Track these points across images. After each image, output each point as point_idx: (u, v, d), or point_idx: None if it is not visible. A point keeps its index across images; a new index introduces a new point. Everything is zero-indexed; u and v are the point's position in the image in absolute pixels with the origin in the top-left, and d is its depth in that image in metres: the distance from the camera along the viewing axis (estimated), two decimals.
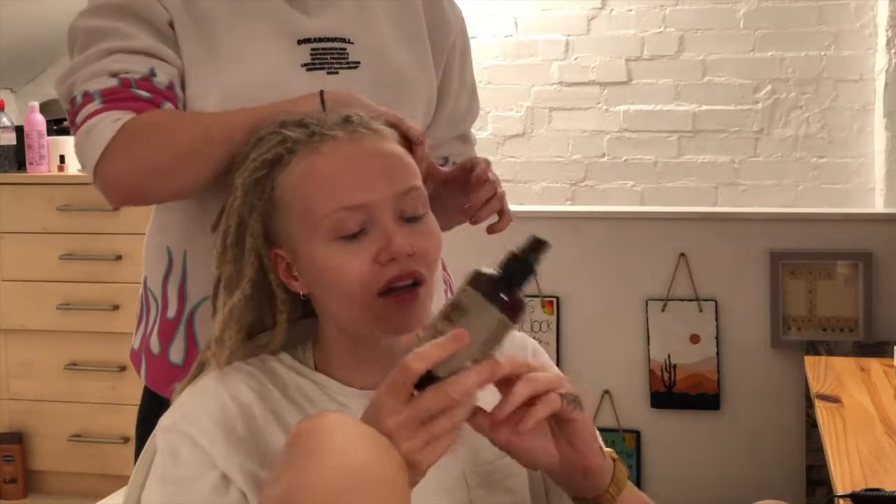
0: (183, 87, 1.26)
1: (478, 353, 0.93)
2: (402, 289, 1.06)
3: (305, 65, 1.29)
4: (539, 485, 1.19)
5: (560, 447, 1.04)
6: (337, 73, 1.30)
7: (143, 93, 1.19)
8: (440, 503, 1.10)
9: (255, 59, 1.27)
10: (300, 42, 1.29)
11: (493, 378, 0.94)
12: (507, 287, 0.93)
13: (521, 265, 0.94)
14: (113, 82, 1.19)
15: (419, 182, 1.10)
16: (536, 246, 0.94)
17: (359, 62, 1.32)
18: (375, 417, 0.92)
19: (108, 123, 1.17)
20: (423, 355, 0.91)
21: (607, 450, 1.09)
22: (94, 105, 1.18)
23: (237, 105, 1.22)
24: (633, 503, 1.10)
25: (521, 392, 0.97)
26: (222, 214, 1.14)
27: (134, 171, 1.17)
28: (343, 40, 1.32)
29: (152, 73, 1.21)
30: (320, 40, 1.30)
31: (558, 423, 1.03)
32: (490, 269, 0.94)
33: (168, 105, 1.21)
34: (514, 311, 0.93)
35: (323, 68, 1.29)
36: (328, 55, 1.30)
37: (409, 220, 1.08)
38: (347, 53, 1.31)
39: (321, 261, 1.07)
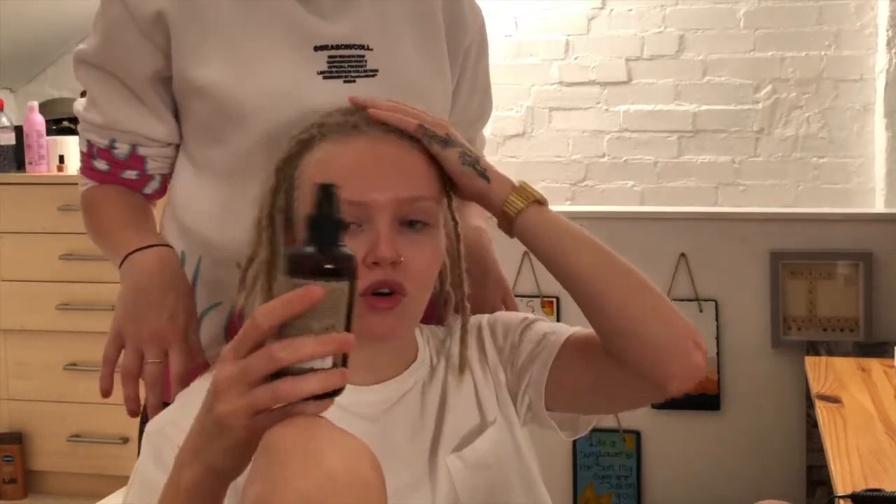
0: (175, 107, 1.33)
1: (322, 328, 0.84)
2: (381, 294, 1.08)
3: (322, 72, 1.25)
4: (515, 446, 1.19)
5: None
6: (354, 81, 1.26)
7: (102, 164, 1.35)
8: (427, 495, 1.11)
9: (269, 66, 1.24)
10: (317, 49, 1.26)
11: (336, 349, 0.83)
12: (318, 254, 0.84)
13: (321, 222, 0.85)
14: (84, 147, 1.37)
15: (429, 194, 1.12)
16: (323, 193, 0.86)
17: (377, 70, 1.28)
18: (217, 371, 0.86)
19: (81, 185, 1.40)
20: (270, 309, 0.83)
21: (518, 181, 1.15)
22: (80, 163, 1.40)
23: (252, 115, 1.23)
24: (544, 225, 1.13)
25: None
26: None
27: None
28: (361, 47, 1.27)
29: (112, 146, 1.34)
30: (337, 47, 1.26)
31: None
32: (298, 248, 0.85)
33: (128, 172, 1.35)
34: (351, 275, 0.84)
35: (340, 76, 1.26)
36: (345, 62, 1.26)
37: (410, 228, 1.10)
38: (366, 60, 1.27)
39: None
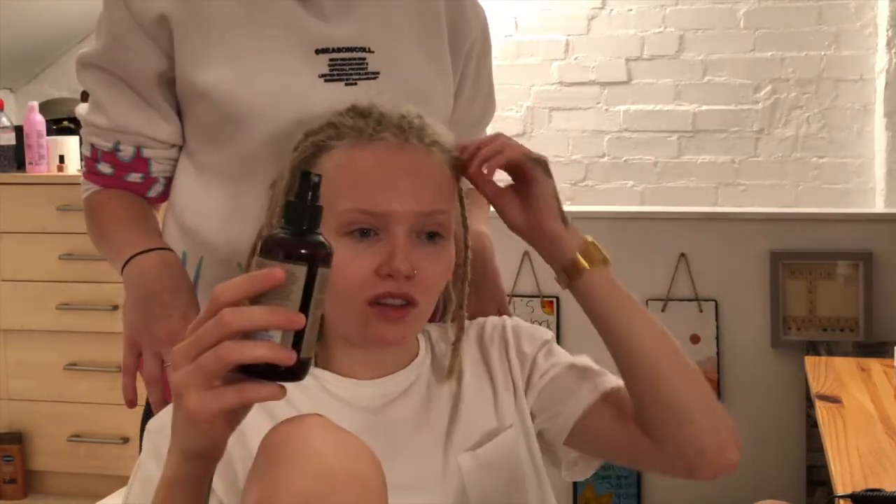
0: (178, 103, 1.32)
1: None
2: (392, 304, 1.07)
3: (323, 75, 1.25)
4: (531, 451, 1.19)
5: (526, 212, 1.13)
6: (355, 83, 1.26)
7: (106, 168, 1.35)
8: (434, 492, 1.11)
9: (270, 70, 1.24)
10: (318, 52, 1.26)
11: (283, 321, 0.81)
12: (296, 240, 0.84)
13: (298, 209, 0.85)
14: (88, 151, 1.37)
15: (447, 207, 1.11)
16: (305, 181, 0.85)
17: (378, 72, 1.28)
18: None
19: (83, 190, 1.40)
20: (231, 284, 0.82)
21: (588, 237, 1.13)
22: (82, 167, 1.40)
23: (254, 118, 1.23)
24: (609, 289, 1.11)
25: (488, 145, 1.10)
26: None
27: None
28: (363, 49, 1.27)
29: (116, 149, 1.34)
30: (339, 50, 1.26)
31: (524, 187, 1.12)
32: (275, 230, 0.87)
33: (132, 175, 1.35)
34: (311, 260, 0.84)
35: (341, 79, 1.26)
36: (347, 65, 1.26)
37: (425, 240, 1.09)
38: (367, 63, 1.27)
39: None
